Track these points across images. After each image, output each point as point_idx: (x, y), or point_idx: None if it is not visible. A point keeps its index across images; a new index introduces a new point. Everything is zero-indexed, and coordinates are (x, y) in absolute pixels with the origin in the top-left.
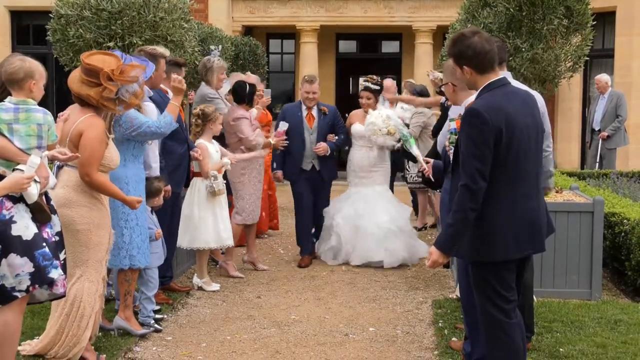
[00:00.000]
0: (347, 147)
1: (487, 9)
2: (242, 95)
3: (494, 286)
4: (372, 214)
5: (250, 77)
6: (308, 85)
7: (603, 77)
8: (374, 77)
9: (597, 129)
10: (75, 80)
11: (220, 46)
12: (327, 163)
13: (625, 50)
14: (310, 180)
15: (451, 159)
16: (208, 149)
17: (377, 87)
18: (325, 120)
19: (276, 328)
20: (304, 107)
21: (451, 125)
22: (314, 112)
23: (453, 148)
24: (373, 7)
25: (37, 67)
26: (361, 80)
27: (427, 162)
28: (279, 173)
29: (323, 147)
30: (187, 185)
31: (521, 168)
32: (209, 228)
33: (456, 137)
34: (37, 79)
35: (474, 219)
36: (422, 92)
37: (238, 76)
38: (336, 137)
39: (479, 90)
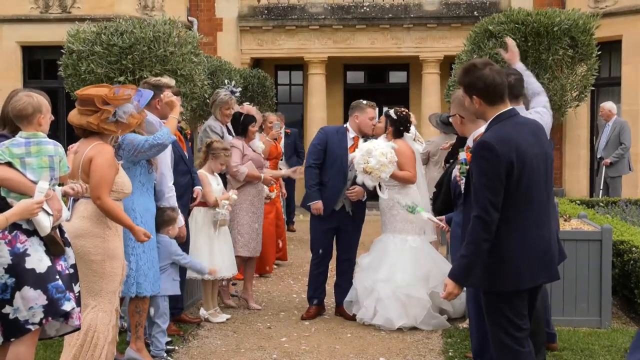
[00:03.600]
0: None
1: (492, 40)
2: (234, 126)
3: (507, 315)
4: (382, 272)
5: (245, 108)
6: (373, 111)
7: (607, 105)
8: (404, 109)
9: (598, 156)
10: (74, 114)
11: (233, 82)
12: (360, 204)
13: (632, 78)
14: (336, 221)
15: (462, 189)
16: (207, 179)
17: (394, 117)
18: None
19: (287, 358)
20: (350, 136)
21: (461, 155)
22: (360, 142)
23: (464, 179)
24: (380, 38)
25: (43, 101)
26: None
27: (440, 220)
28: (320, 204)
29: (358, 192)
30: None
31: (532, 197)
32: (203, 258)
33: (467, 167)
34: (44, 113)
35: (487, 249)
36: (448, 121)
37: (247, 109)
38: None
39: (488, 121)
